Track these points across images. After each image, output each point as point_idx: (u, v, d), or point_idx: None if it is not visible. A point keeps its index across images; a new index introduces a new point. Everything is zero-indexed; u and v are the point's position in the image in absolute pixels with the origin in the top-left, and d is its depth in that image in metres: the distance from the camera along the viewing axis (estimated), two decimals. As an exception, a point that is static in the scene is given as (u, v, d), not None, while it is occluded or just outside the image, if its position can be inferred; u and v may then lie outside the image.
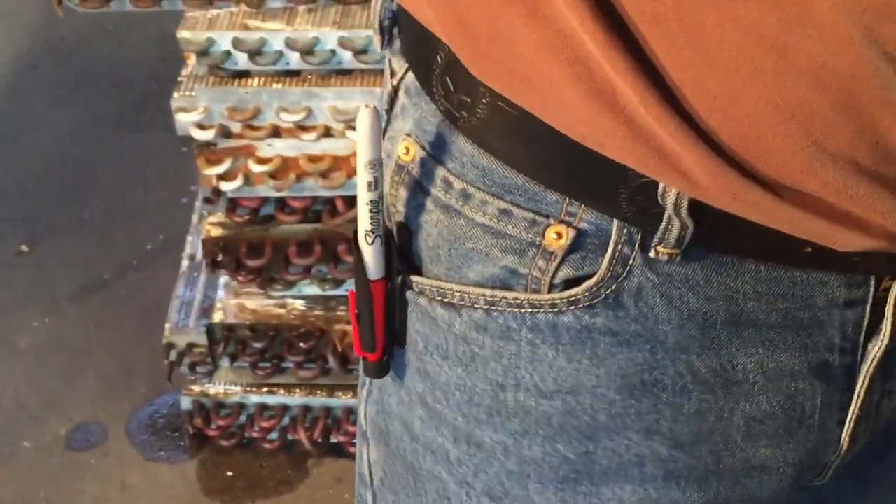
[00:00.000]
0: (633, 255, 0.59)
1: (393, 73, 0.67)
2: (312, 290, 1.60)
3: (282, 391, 1.71)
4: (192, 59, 1.46)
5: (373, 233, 0.63)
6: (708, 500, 0.65)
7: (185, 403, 1.73)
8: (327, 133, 1.45)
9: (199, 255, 1.75)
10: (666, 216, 0.56)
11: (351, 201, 1.49)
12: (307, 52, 1.40)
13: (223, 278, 1.67)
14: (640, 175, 0.55)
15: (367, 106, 0.59)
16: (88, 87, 2.52)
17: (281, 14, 1.41)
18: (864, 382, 0.63)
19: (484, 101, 0.59)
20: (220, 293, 1.68)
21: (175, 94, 1.45)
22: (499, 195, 0.61)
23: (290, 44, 1.40)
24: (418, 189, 0.64)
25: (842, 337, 0.62)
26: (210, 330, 1.65)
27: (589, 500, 0.66)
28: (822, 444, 0.65)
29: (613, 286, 0.60)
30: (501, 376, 0.64)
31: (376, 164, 0.61)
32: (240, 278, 1.58)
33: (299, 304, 1.65)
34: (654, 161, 0.54)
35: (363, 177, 0.61)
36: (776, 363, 0.62)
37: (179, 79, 1.47)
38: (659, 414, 0.62)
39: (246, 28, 1.41)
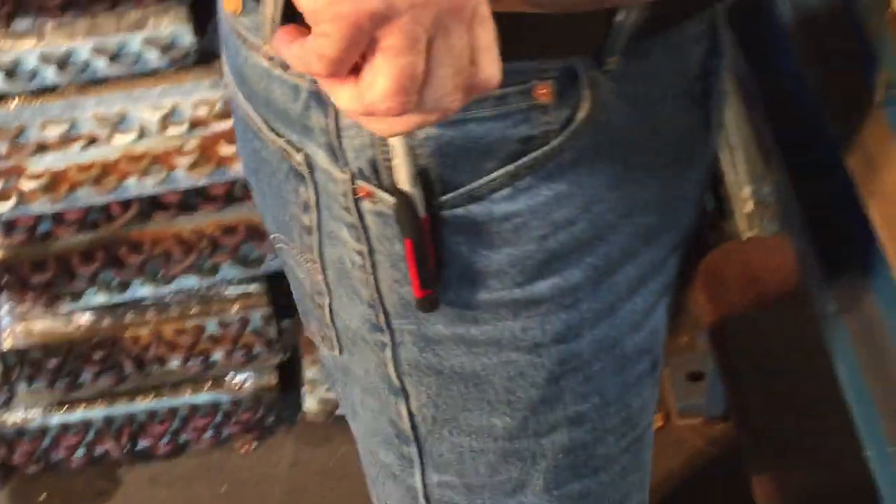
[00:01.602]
0: (593, 74, 0.74)
1: None
2: (100, 298, 1.65)
3: (82, 406, 1.75)
4: (-54, 89, 1.49)
5: (419, 175, 0.73)
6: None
7: (-14, 437, 1.75)
8: (93, 141, 1.50)
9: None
10: (613, 34, 0.72)
11: (126, 204, 1.55)
12: (62, 65, 1.46)
13: (5, 306, 1.70)
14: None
15: None
16: None
17: (31, 31, 1.47)
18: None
19: None
20: (6, 321, 1.70)
21: (-65, 125, 1.48)
22: None
23: (44, 59, 1.46)
24: None
25: (697, 68, 0.83)
26: (2, 359, 1.68)
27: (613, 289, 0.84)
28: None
29: (594, 106, 0.75)
30: (544, 229, 0.78)
31: None
32: (27, 298, 1.62)
33: (86, 317, 1.69)
34: None
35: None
36: (674, 107, 0.82)
37: (-64, 110, 1.50)
38: (637, 184, 0.82)
39: None
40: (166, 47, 1.47)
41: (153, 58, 1.48)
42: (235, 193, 1.58)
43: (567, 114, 0.75)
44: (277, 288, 1.75)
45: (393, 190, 0.75)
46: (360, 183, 0.77)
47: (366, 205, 0.77)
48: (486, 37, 0.59)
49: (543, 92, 0.74)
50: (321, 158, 0.77)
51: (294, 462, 1.83)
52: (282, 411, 1.84)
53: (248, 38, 0.77)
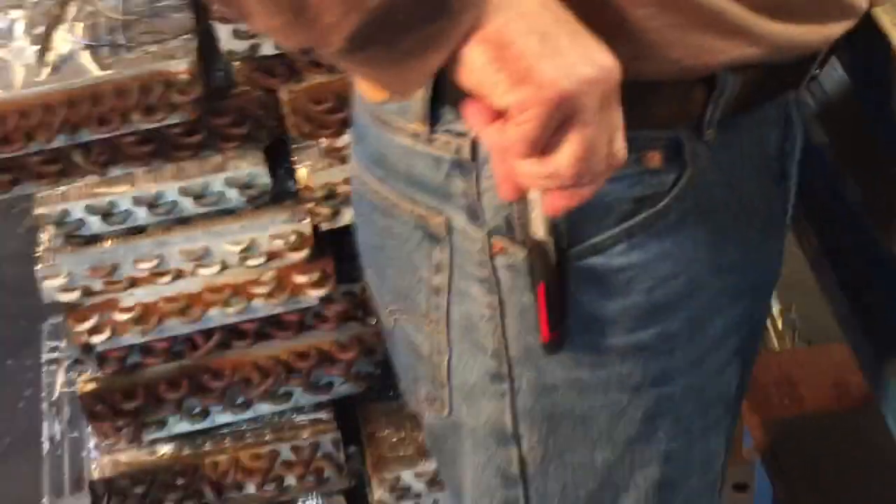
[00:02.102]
0: (695, 144, 0.88)
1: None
2: (183, 426, 1.77)
3: (162, 536, 1.85)
4: (47, 233, 1.65)
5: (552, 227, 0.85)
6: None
7: (74, 570, 1.84)
8: (180, 275, 1.65)
9: (58, 434, 1.91)
10: (710, 107, 0.86)
11: (208, 333, 1.69)
12: (152, 206, 1.62)
13: (93, 439, 1.82)
14: (690, 81, 0.84)
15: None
16: None
17: (123, 178, 1.63)
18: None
19: None
20: (94, 453, 1.82)
21: (38, 266, 1.64)
22: None
23: (136, 202, 1.62)
24: None
25: (775, 149, 0.98)
26: (92, 489, 1.79)
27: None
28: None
29: (695, 172, 0.89)
30: (651, 282, 0.91)
31: None
32: (115, 428, 1.74)
33: (168, 448, 1.81)
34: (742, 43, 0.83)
35: None
36: (758, 181, 0.96)
37: (37, 254, 1.66)
38: (728, 247, 0.95)
39: (95, 195, 1.62)
40: (245, 187, 1.63)
41: (233, 197, 1.64)
42: (307, 321, 1.72)
43: (673, 178, 0.89)
44: (343, 415, 1.87)
45: (525, 243, 0.87)
46: (497, 238, 0.89)
47: (499, 259, 0.89)
48: (620, 116, 0.75)
49: (654, 158, 0.87)
50: (460, 220, 0.90)
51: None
52: (351, 535, 1.93)
53: (393, 121, 0.90)
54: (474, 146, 0.87)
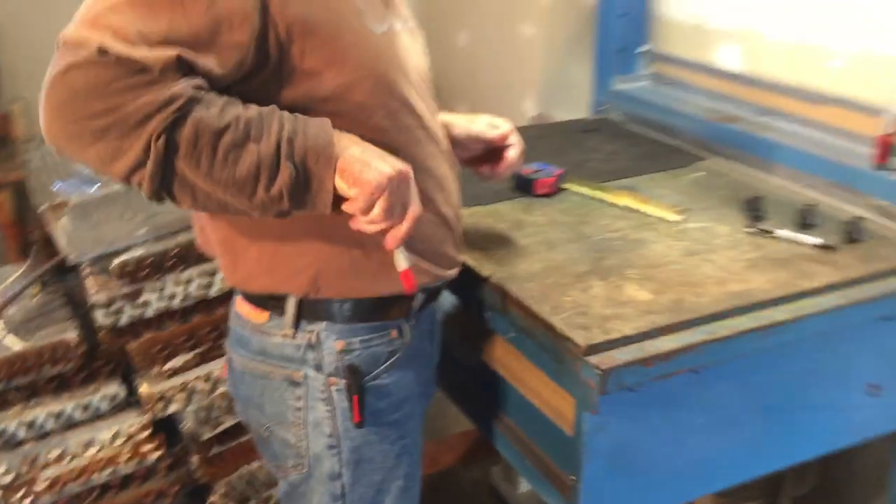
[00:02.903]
0: (406, 326, 1.77)
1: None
2: None
3: None
4: (-7, 442, 2.72)
5: (357, 370, 1.73)
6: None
7: None
8: (74, 457, 2.76)
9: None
10: (413, 308, 1.76)
11: (92, 489, 2.78)
12: (58, 417, 2.74)
13: None
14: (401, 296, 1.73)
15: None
16: None
17: (39, 403, 2.74)
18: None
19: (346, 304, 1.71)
20: None
21: (-10, 462, 2.71)
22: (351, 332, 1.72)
23: (48, 416, 2.73)
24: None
25: (431, 328, 1.93)
26: None
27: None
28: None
29: (407, 339, 1.78)
30: (396, 391, 1.78)
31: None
32: None
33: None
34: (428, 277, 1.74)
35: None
36: (430, 342, 1.93)
37: (-14, 455, 2.72)
38: (422, 374, 1.88)
39: (22, 415, 2.71)
40: (111, 399, 2.77)
41: (105, 406, 2.77)
42: (150, 472, 2.84)
43: (401, 342, 1.74)
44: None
45: (347, 378, 1.68)
46: (331, 378, 1.70)
47: (332, 388, 1.70)
48: (411, 192, 1.54)
49: (393, 333, 1.73)
50: (311, 373, 1.70)
51: None
52: None
53: (271, 331, 1.71)
54: (318, 337, 1.69)
